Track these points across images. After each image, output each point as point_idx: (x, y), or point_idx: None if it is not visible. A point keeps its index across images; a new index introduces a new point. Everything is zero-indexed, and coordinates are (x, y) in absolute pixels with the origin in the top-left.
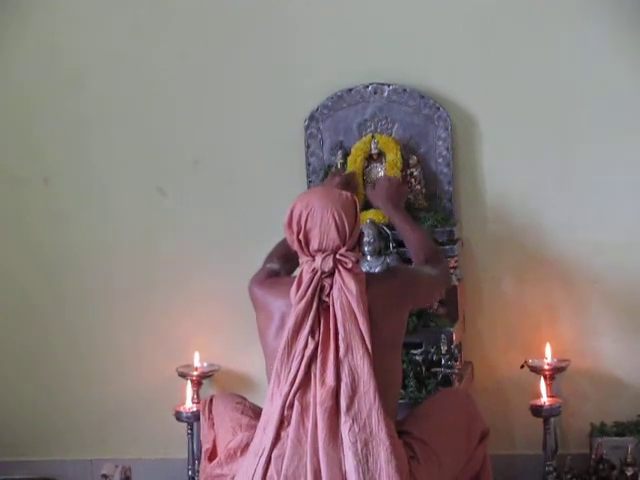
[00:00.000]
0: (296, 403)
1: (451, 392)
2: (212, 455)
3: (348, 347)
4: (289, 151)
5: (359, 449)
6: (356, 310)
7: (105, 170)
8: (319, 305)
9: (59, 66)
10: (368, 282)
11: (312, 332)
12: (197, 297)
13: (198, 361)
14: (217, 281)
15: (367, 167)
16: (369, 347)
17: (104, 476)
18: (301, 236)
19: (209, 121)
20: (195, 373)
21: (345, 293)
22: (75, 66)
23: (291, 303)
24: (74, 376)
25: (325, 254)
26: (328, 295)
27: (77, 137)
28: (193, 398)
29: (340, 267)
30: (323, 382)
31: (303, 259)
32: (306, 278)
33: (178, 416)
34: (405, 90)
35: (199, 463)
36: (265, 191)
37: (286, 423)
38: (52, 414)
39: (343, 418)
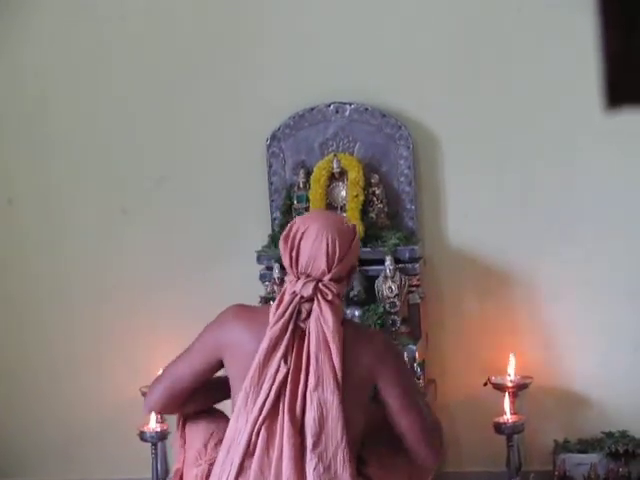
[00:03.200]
0: (262, 431)
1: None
2: (181, 477)
3: (319, 380)
4: (251, 170)
5: None
6: (330, 343)
7: (68, 190)
8: (295, 330)
9: (22, 87)
10: (353, 325)
11: (285, 357)
12: (161, 316)
13: None
14: (181, 300)
15: (329, 186)
16: (339, 384)
17: None
18: (293, 253)
19: (172, 140)
20: None
21: (321, 324)
22: (38, 87)
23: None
24: (37, 397)
25: (308, 279)
26: (304, 320)
27: (41, 157)
28: (157, 418)
29: (320, 296)
30: (291, 415)
31: (289, 278)
32: (286, 299)
33: (142, 436)
34: (367, 109)
35: None
36: (227, 209)
37: (252, 451)
38: (15, 435)
39: (309, 456)
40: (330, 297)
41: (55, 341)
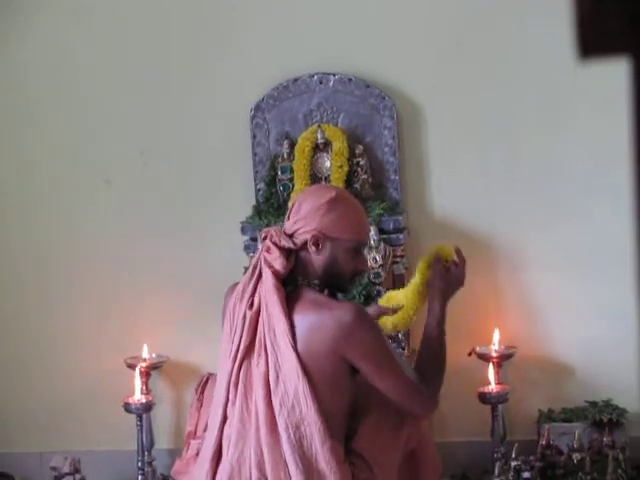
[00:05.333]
0: (240, 384)
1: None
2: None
3: (270, 326)
4: (235, 141)
5: (291, 434)
6: (270, 295)
7: (51, 162)
8: (259, 278)
9: (2, 55)
10: (322, 300)
11: (251, 305)
12: (144, 287)
13: (147, 352)
14: (165, 271)
15: (314, 157)
16: (287, 328)
17: (53, 468)
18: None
19: (156, 112)
20: (143, 364)
21: (265, 280)
22: (19, 56)
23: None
24: (21, 369)
25: (267, 233)
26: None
27: (20, 129)
28: (142, 389)
29: (268, 249)
30: (257, 363)
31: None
32: (258, 250)
33: (127, 407)
34: (350, 80)
35: (148, 454)
36: (211, 181)
37: (231, 402)
38: (0, 407)
39: (274, 402)
40: (274, 254)
41: (37, 313)
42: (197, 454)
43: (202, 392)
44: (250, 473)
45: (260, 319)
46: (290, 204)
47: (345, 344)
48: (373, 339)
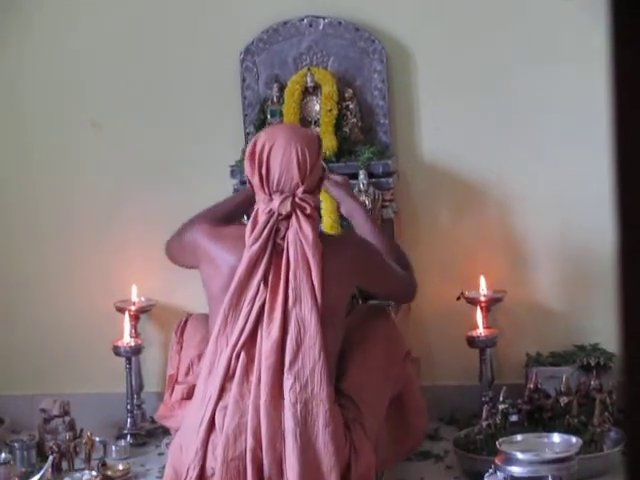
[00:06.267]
0: (242, 355)
1: (370, 316)
2: (175, 383)
3: (297, 297)
4: (225, 85)
5: (298, 410)
6: (310, 259)
7: (37, 104)
8: (273, 249)
9: None
10: (325, 239)
11: (265, 278)
12: (133, 230)
13: (135, 295)
14: (154, 214)
15: (303, 100)
16: (319, 300)
17: (42, 410)
18: (263, 170)
19: (144, 55)
20: (133, 307)
21: (300, 239)
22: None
23: (240, 257)
24: (11, 313)
25: (284, 196)
26: (283, 238)
27: (6, 72)
28: (131, 333)
29: (298, 211)
30: (269, 334)
31: (260, 197)
32: (262, 219)
33: (116, 351)
34: (340, 23)
35: (137, 397)
36: (201, 124)
37: (231, 374)
38: None
39: (285, 375)
40: (309, 211)
41: (26, 257)
42: (182, 398)
43: (182, 334)
44: (245, 442)
45: (280, 283)
46: (262, 146)
47: (364, 259)
48: (378, 251)
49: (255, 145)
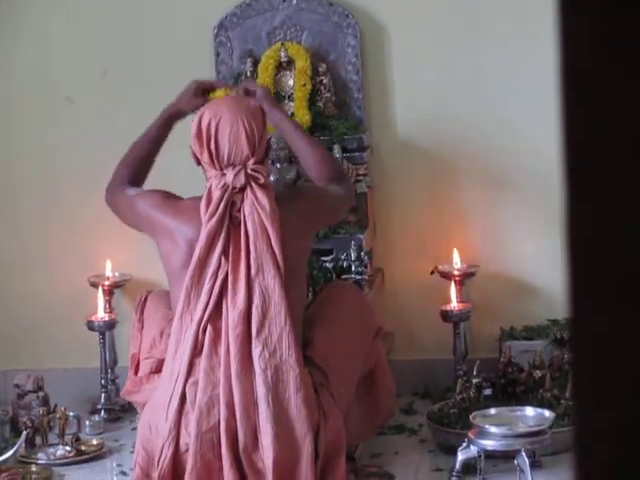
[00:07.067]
0: (209, 328)
1: (341, 294)
2: (137, 363)
3: (259, 267)
4: (198, 59)
5: (269, 376)
6: (269, 228)
7: (11, 80)
8: (230, 223)
9: None
10: (277, 201)
11: (225, 252)
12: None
13: (110, 270)
14: None
15: (277, 75)
16: (281, 267)
17: (16, 386)
18: (212, 146)
19: (117, 29)
20: (106, 282)
21: (257, 210)
22: None
23: (198, 229)
24: None
25: (236, 169)
26: (239, 211)
27: None
28: (105, 308)
29: (252, 182)
30: (234, 305)
31: (211, 173)
32: (216, 195)
33: (90, 326)
34: None
35: (111, 372)
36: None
37: (199, 349)
38: None
39: (254, 343)
40: (262, 180)
41: (1, 232)
42: (150, 372)
43: (142, 312)
44: (219, 413)
45: (240, 255)
46: (207, 123)
47: (313, 204)
48: (321, 190)
49: (201, 122)
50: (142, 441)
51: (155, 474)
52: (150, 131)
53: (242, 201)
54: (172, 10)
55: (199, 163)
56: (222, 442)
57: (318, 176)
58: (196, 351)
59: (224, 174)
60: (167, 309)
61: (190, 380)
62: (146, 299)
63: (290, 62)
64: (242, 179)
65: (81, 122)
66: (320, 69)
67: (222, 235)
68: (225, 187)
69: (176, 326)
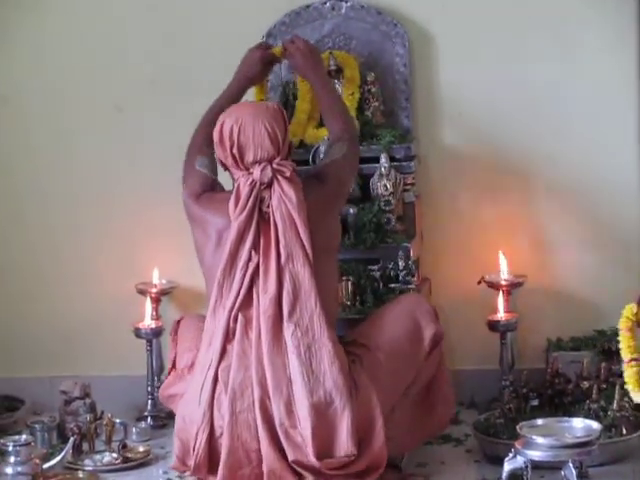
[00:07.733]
0: (240, 316)
1: (401, 298)
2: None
3: (289, 255)
4: None
5: (302, 352)
6: (296, 218)
7: (63, 90)
8: (259, 217)
9: None
10: (303, 190)
11: (254, 245)
12: (157, 214)
13: (157, 278)
14: (174, 197)
15: None
16: (309, 254)
17: (63, 392)
18: (235, 150)
19: (166, 39)
20: (154, 290)
21: (285, 202)
22: None
23: (228, 220)
24: (34, 294)
25: (262, 165)
26: (268, 206)
27: (36, 56)
28: (152, 315)
29: (279, 176)
30: (266, 291)
31: (238, 174)
32: (245, 191)
33: (137, 333)
34: (362, 7)
35: (158, 380)
36: None
37: (231, 336)
38: (12, 332)
39: (285, 324)
40: (288, 174)
41: (57, 239)
42: (191, 365)
43: (175, 333)
44: (252, 394)
45: (271, 245)
46: (229, 129)
47: (334, 184)
48: (335, 163)
49: (222, 129)
50: (178, 432)
51: (191, 462)
52: (229, 93)
53: (270, 196)
54: (221, 19)
55: (226, 168)
56: (258, 421)
57: (330, 129)
58: (228, 338)
59: (251, 172)
60: (199, 330)
61: (223, 364)
62: (180, 321)
63: (339, 70)
64: (269, 173)
65: (130, 130)
66: (368, 78)
67: (252, 229)
68: (253, 184)
69: (209, 320)
